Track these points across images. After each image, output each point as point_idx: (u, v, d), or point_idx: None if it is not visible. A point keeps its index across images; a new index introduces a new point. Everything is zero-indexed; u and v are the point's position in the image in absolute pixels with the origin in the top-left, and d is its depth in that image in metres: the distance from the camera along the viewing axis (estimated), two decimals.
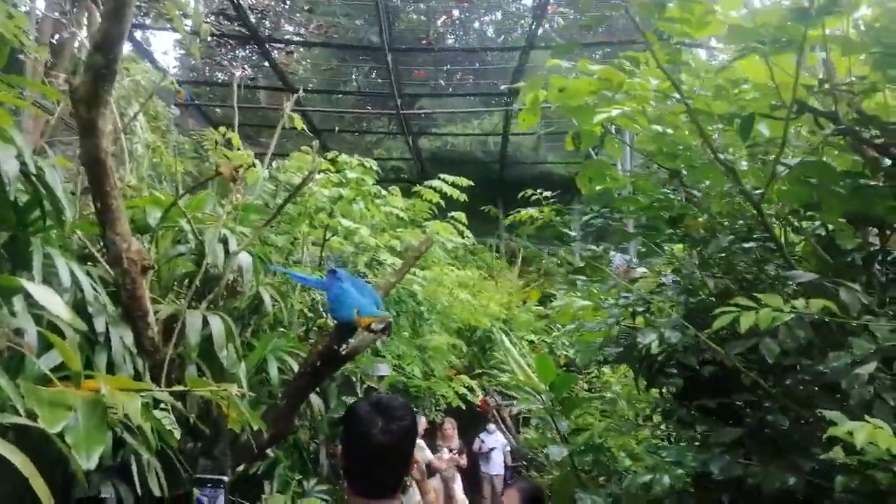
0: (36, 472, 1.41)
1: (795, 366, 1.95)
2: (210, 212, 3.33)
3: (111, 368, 2.38)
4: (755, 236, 2.06)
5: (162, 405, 2.48)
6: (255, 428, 2.72)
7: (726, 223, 2.13)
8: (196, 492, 1.40)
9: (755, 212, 1.88)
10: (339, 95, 13.00)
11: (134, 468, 2.40)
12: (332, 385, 4.61)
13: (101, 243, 2.62)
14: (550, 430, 6.93)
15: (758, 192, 1.87)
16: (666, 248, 3.58)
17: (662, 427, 3.36)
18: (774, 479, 1.74)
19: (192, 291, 2.76)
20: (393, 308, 4.81)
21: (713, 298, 2.48)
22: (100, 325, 2.38)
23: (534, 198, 4.23)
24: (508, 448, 9.22)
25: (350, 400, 4.49)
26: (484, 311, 6.49)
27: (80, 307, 2.42)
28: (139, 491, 2.39)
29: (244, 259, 3.08)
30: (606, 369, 5.97)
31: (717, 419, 2.39)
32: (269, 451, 3.05)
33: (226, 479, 1.38)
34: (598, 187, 2.45)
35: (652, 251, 3.60)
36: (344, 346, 2.75)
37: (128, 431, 2.27)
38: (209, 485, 1.39)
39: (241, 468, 2.89)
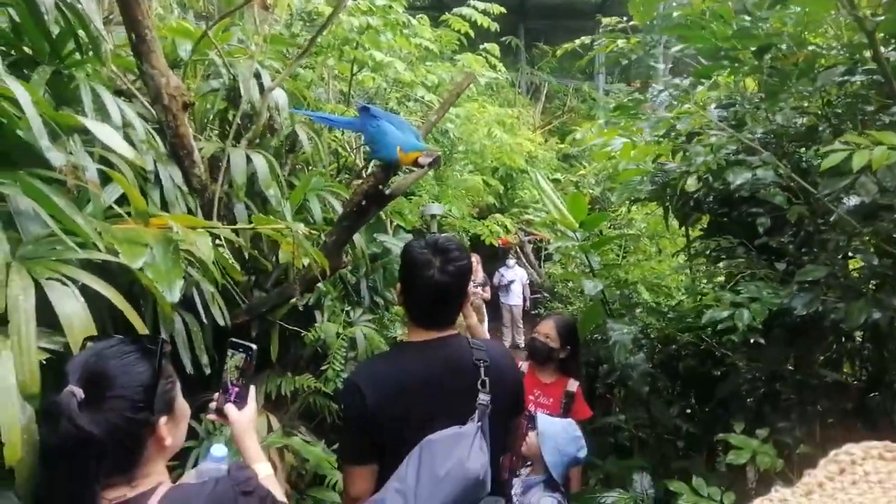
0: (129, 306, 1.48)
1: (887, 206, 1.88)
2: (236, 44, 3.16)
3: (165, 207, 2.41)
4: (861, 69, 1.89)
5: (217, 241, 2.55)
6: (307, 263, 2.82)
7: (825, 55, 1.95)
8: (229, 353, 1.48)
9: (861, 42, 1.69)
10: None
11: (197, 300, 2.53)
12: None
13: (136, 78, 2.53)
14: (574, 264, 7.19)
15: (878, 18, 1.68)
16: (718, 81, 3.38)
17: (702, 264, 3.40)
18: (859, 315, 1.75)
19: (234, 129, 2.70)
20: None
21: (773, 137, 2.38)
22: (149, 163, 2.37)
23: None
24: (527, 280, 9.65)
25: (382, 237, 4.60)
26: (520, 149, 6.34)
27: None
28: (205, 321, 2.53)
29: (279, 96, 2.98)
30: (634, 207, 6.02)
31: (777, 260, 2.40)
32: (318, 285, 3.17)
33: (254, 347, 1.45)
34: (674, 14, 2.24)
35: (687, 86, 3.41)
36: (388, 185, 2.75)
37: (190, 266, 2.37)
38: (240, 349, 1.47)
39: (294, 300, 3.03)
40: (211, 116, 3.20)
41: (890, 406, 2.54)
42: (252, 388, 1.49)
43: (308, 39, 3.22)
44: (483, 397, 1.67)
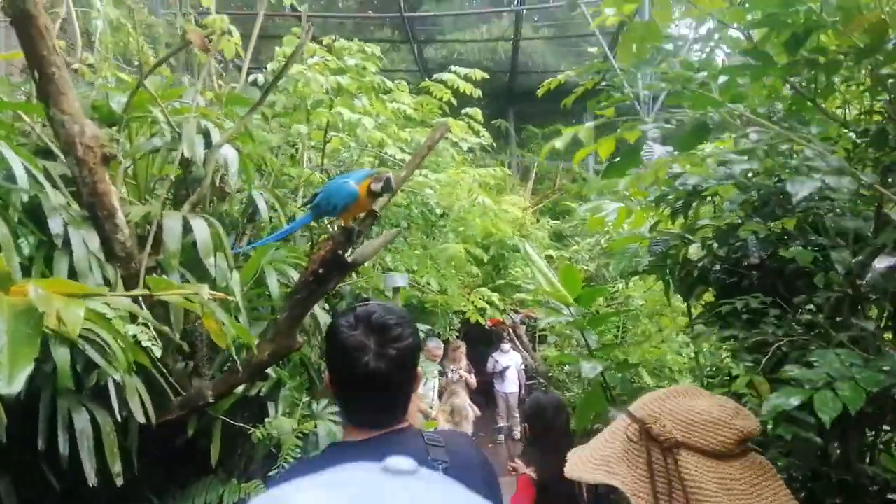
0: None
1: None
2: (189, 102, 2.87)
3: (74, 277, 2.01)
4: None
5: (140, 320, 2.12)
6: (244, 345, 2.39)
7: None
8: None
9: None
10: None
11: (112, 391, 2.08)
12: (342, 303, 4.27)
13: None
14: (570, 346, 6.71)
15: None
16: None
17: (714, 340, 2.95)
18: None
19: (168, 188, 2.34)
20: (403, 219, 4.37)
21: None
22: (56, 225, 1.99)
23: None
24: (523, 366, 9.11)
25: None
26: (505, 216, 5.98)
27: (33, 205, 2.03)
28: (119, 416, 2.07)
29: (228, 153, 2.65)
30: (630, 283, 5.65)
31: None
32: (271, 370, 2.72)
33: None
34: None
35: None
36: (350, 251, 2.37)
37: (95, 349, 1.93)
38: None
39: (241, 389, 2.57)
40: (155, 180, 2.86)
41: None
42: None
43: (272, 99, 2.95)
44: None
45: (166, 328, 2.02)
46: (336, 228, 2.37)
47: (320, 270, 2.35)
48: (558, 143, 1.70)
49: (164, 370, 2.32)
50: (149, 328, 2.12)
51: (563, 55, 14.78)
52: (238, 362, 2.48)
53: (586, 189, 12.08)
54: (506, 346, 9.01)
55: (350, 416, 1.32)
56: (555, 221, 9.36)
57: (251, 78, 3.61)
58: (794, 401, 1.27)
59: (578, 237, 8.45)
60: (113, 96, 2.41)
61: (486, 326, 7.79)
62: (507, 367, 9.00)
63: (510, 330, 8.66)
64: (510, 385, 9.04)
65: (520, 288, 7.49)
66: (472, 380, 7.49)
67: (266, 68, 4.02)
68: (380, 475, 0.45)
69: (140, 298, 1.85)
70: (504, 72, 14.16)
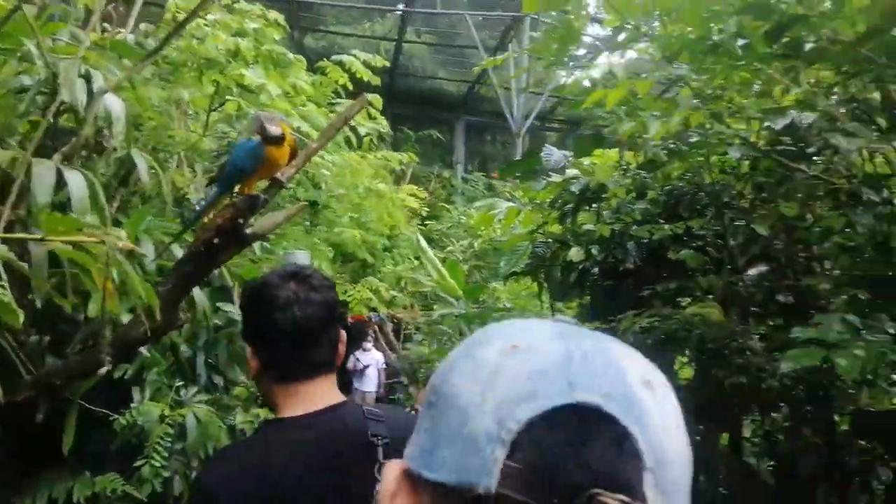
0: None
1: None
2: (68, 40, 2.51)
3: None
4: None
5: None
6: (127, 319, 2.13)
7: None
8: None
9: None
10: None
11: None
12: (206, 288, 3.97)
13: None
14: (436, 343, 6.79)
15: None
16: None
17: None
18: None
19: (40, 133, 2.02)
20: (287, 201, 4.14)
21: None
22: None
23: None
24: (383, 365, 9.07)
25: (227, 307, 3.89)
26: (402, 205, 5.91)
27: None
28: None
29: (114, 104, 2.34)
30: (501, 284, 5.86)
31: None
32: (141, 350, 2.45)
33: None
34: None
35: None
36: (249, 225, 2.19)
37: None
38: None
39: (104, 370, 2.28)
40: (19, 125, 2.46)
41: None
42: None
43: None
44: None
45: (47, 285, 1.72)
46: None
47: (215, 240, 2.15)
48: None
49: (14, 342, 2.01)
50: (5, 288, 1.82)
51: (442, 63, 15.07)
52: (106, 339, 2.20)
53: (455, 199, 12.44)
54: (368, 344, 8.91)
55: (278, 370, 1.25)
56: (422, 225, 9.48)
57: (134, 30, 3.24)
58: (812, 361, 1.33)
59: (448, 239, 8.61)
60: None
61: (349, 322, 7.63)
62: (367, 366, 8.90)
63: (375, 327, 8.59)
64: (369, 384, 8.94)
65: (390, 285, 7.46)
66: None
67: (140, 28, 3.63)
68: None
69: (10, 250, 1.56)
70: (384, 72, 14.15)
